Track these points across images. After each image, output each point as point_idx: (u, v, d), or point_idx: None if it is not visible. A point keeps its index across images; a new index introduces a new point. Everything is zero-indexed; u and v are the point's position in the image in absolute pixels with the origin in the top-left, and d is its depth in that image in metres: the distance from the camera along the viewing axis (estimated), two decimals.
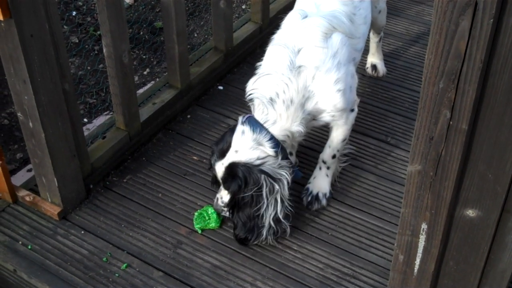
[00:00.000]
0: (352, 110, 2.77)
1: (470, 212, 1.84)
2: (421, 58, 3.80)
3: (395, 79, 3.66)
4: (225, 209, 2.70)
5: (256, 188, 2.53)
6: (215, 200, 2.75)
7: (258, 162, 2.54)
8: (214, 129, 3.34)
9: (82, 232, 2.81)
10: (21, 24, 2.26)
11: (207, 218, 2.79)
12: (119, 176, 3.07)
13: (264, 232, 2.63)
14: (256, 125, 2.56)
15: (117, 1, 2.70)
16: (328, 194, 2.93)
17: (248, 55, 3.82)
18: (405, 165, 3.11)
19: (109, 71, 2.92)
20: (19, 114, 2.58)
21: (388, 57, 3.78)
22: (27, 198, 2.89)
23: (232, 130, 2.62)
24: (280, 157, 2.56)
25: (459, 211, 1.86)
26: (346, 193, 3.00)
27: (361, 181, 3.05)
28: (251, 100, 2.65)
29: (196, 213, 2.82)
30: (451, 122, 1.75)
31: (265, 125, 2.56)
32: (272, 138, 2.56)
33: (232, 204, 2.64)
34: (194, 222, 2.80)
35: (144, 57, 4.59)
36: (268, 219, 2.60)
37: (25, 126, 2.60)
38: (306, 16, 2.65)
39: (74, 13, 4.96)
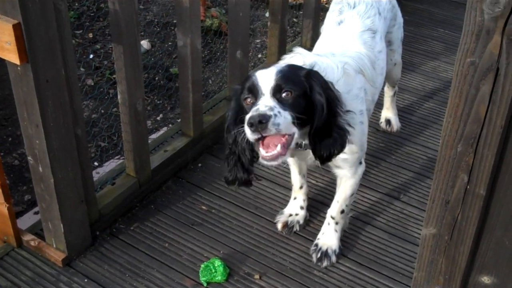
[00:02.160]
0: (360, 163, 2.71)
1: (486, 279, 1.78)
2: (436, 115, 3.77)
3: (409, 135, 3.62)
4: (275, 111, 2.10)
5: (325, 84, 2.27)
6: (250, 114, 2.11)
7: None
8: None
9: (86, 280, 2.75)
10: (38, 69, 2.26)
11: (213, 271, 2.73)
12: (126, 223, 3.03)
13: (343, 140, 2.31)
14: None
15: (134, 49, 2.70)
16: (337, 250, 2.87)
17: None
18: (417, 223, 3.05)
19: (122, 117, 2.91)
20: (29, 158, 2.56)
21: (402, 112, 3.76)
22: (32, 243, 2.84)
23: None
24: None
25: (474, 277, 1.80)
26: (356, 250, 2.93)
27: (372, 239, 2.99)
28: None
29: (202, 265, 2.76)
30: (468, 187, 1.71)
31: None
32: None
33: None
34: (200, 275, 2.73)
35: (158, 102, 4.59)
36: (342, 120, 2.30)
37: (35, 170, 2.58)
38: (333, 55, 2.59)
39: (91, 56, 5.00)
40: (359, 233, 3.01)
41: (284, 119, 2.11)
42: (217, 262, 2.73)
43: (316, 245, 2.89)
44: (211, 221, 3.05)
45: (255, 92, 2.20)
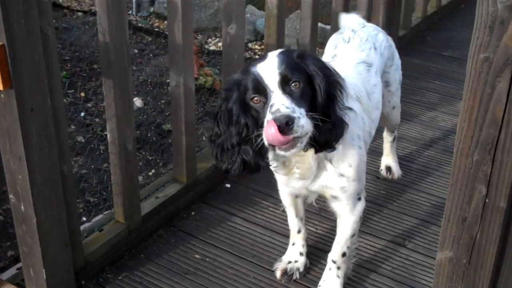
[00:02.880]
0: (360, 199, 2.54)
1: None
2: (437, 162, 3.65)
3: (411, 182, 3.48)
4: (296, 113, 1.98)
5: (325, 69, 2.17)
6: (271, 116, 1.98)
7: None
8: (219, 227, 3.13)
9: None
10: (22, 96, 2.14)
11: None
12: (114, 272, 2.83)
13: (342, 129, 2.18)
14: None
15: (124, 83, 2.60)
16: None
17: None
18: (424, 270, 2.87)
19: (111, 158, 2.77)
20: (11, 196, 2.40)
21: (402, 160, 3.63)
22: None
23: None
24: None
25: None
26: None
27: (378, 287, 2.80)
28: None
29: None
30: (487, 200, 1.57)
31: None
32: None
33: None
34: None
35: (150, 158, 4.46)
36: (342, 108, 2.19)
37: (17, 210, 2.41)
38: None
39: (82, 114, 4.91)
40: (363, 281, 2.82)
41: (306, 120, 2.00)
42: None
43: None
44: (205, 270, 2.85)
45: (261, 90, 2.06)
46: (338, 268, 2.68)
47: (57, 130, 2.33)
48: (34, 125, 2.21)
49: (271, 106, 2.00)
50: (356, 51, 2.74)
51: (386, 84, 3.01)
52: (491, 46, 1.41)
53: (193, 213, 3.23)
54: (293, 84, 2.04)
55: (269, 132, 1.96)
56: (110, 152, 2.76)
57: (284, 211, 2.85)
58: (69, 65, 5.60)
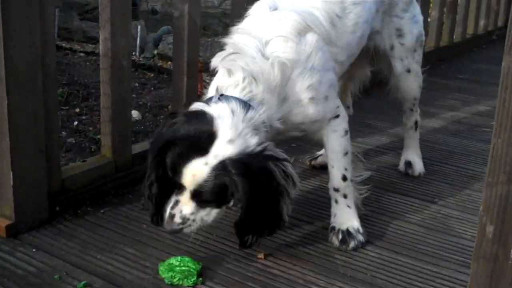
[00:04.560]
0: (337, 116, 2.23)
1: None
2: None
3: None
4: (187, 224, 1.96)
5: (268, 181, 1.91)
6: (166, 216, 1.98)
7: (259, 148, 1.91)
8: None
9: (34, 250, 2.09)
10: None
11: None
12: (96, 207, 2.41)
13: (284, 215, 1.98)
14: (244, 103, 1.95)
15: None
16: (361, 229, 2.25)
17: None
18: (459, 222, 2.44)
19: (102, 75, 2.44)
20: None
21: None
22: None
23: (198, 114, 1.93)
24: None
25: None
26: (387, 239, 2.30)
27: (406, 231, 2.36)
28: (226, 72, 2.03)
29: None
30: None
31: (251, 104, 1.98)
32: (264, 120, 1.98)
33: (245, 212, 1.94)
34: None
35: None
36: (285, 210, 1.97)
37: None
38: (276, 9, 2.16)
39: (75, 123, 4.60)
40: (388, 225, 2.39)
41: (200, 223, 1.99)
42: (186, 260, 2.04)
43: (333, 228, 2.27)
44: None
45: (179, 178, 1.92)
46: (345, 196, 2.27)
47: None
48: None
49: (176, 202, 1.96)
50: None
51: (398, 33, 2.67)
52: None
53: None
54: (206, 201, 1.95)
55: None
56: (101, 68, 2.44)
57: None
58: (66, 88, 5.37)
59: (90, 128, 4.54)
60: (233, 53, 2.06)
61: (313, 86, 2.10)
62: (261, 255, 2.13)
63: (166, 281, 1.93)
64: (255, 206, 1.92)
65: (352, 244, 2.20)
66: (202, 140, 1.87)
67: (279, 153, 1.98)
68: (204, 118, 1.90)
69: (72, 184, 2.36)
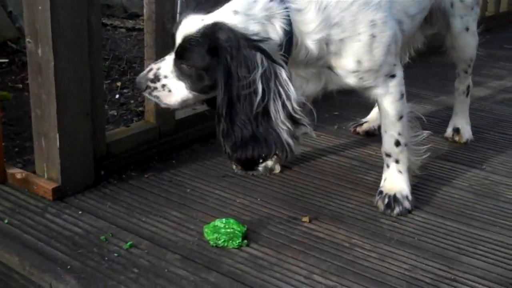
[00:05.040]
0: (393, 76, 2.13)
1: None
2: None
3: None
4: (154, 85, 1.88)
5: (246, 70, 1.75)
6: (145, 70, 1.93)
7: (256, 37, 1.79)
8: None
9: (80, 212, 2.11)
10: None
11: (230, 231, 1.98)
12: (140, 172, 2.42)
13: (284, 135, 1.79)
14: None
15: None
16: (409, 196, 2.20)
17: None
18: (509, 188, 2.38)
19: (146, 39, 2.44)
20: (27, 39, 2.07)
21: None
22: (18, 176, 2.24)
23: None
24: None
25: None
26: (434, 205, 2.25)
27: (453, 197, 2.32)
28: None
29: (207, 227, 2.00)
30: None
31: (285, 4, 1.87)
32: (288, 21, 1.86)
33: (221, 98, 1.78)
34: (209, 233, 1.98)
35: None
36: (280, 118, 1.78)
37: (33, 56, 2.08)
38: None
39: (117, 96, 4.63)
40: (435, 191, 2.34)
41: (165, 93, 1.90)
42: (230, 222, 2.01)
43: (381, 192, 2.23)
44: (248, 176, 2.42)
45: (173, 39, 1.89)
46: (397, 161, 2.22)
47: None
48: None
49: (162, 59, 1.93)
50: None
51: None
52: None
53: None
54: (184, 65, 1.85)
55: None
56: (145, 32, 2.43)
57: None
58: (107, 63, 5.40)
59: (132, 101, 4.57)
60: None
61: (376, 23, 2.00)
62: (305, 219, 2.10)
63: (211, 243, 1.93)
64: (234, 93, 1.76)
65: (396, 209, 2.16)
66: (212, 5, 1.83)
67: (277, 57, 1.83)
68: None
69: (117, 149, 2.37)
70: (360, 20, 1.98)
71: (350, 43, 1.98)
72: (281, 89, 1.78)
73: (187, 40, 1.81)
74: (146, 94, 1.92)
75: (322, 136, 2.82)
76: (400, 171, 2.23)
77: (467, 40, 2.73)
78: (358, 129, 2.89)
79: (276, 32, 1.84)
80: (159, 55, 2.40)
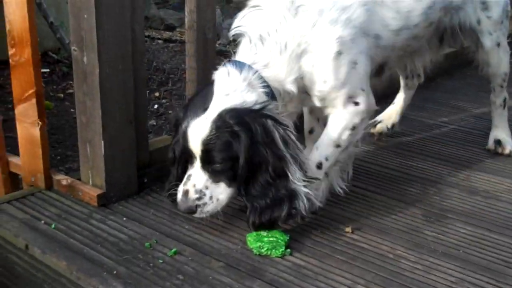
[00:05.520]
0: (356, 104, 2.09)
1: None
2: None
3: None
4: (202, 201, 1.94)
5: (266, 136, 1.86)
6: (179, 195, 1.97)
7: (258, 106, 1.89)
8: None
9: (124, 219, 2.13)
10: None
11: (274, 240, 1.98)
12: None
13: (302, 191, 1.89)
14: (243, 65, 1.96)
15: None
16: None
17: None
18: None
19: (187, 48, 2.46)
20: (73, 47, 2.10)
21: None
22: (63, 182, 2.27)
23: (205, 85, 2.02)
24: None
25: None
26: (479, 217, 2.22)
27: (498, 209, 2.28)
28: (237, 39, 2.07)
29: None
30: None
31: (254, 66, 1.96)
32: (265, 82, 1.95)
33: (237, 173, 1.91)
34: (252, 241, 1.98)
35: None
36: (297, 177, 1.88)
37: (78, 64, 2.11)
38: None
39: (155, 106, 4.68)
40: (478, 204, 2.31)
41: (215, 204, 1.96)
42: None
43: None
44: None
45: (188, 151, 1.94)
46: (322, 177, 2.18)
47: None
48: None
49: (189, 176, 1.96)
50: None
51: (483, 6, 2.56)
52: None
53: None
54: (217, 165, 1.91)
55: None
56: (187, 41, 2.45)
57: None
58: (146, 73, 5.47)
59: (170, 111, 4.62)
60: (253, 9, 2.04)
61: (344, 40, 1.99)
62: (348, 229, 2.09)
63: (255, 251, 1.93)
64: (256, 162, 1.86)
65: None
66: (202, 102, 1.91)
67: (280, 117, 1.93)
68: (208, 85, 1.96)
69: (159, 157, 2.39)
70: (327, 37, 2.00)
71: (320, 63, 2.00)
72: (295, 152, 1.89)
73: (206, 143, 1.88)
74: (198, 215, 1.96)
75: (361, 147, 2.80)
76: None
77: (500, 56, 2.70)
78: (372, 130, 2.92)
79: (262, 95, 1.93)
80: (200, 64, 2.43)
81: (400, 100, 3.01)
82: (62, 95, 4.58)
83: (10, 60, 2.19)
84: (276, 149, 1.86)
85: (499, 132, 2.87)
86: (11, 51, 2.17)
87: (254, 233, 1.97)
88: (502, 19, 2.63)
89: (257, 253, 1.92)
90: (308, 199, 1.92)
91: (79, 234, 2.01)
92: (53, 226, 2.05)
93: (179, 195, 1.94)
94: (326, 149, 2.13)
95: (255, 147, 1.84)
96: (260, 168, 1.87)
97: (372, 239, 2.05)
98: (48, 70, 4.96)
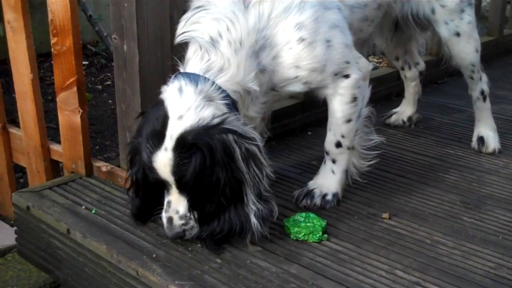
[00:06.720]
0: (347, 76, 2.02)
1: None
2: None
3: None
4: (189, 225, 1.84)
5: (225, 155, 1.73)
6: (164, 222, 1.85)
7: (217, 120, 1.75)
8: None
9: None
10: None
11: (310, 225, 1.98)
12: None
13: (252, 218, 1.79)
14: (195, 76, 1.80)
15: None
16: (329, 196, 2.14)
17: None
18: None
19: None
20: (114, 37, 2.14)
21: None
22: (103, 169, 2.32)
23: (157, 103, 1.81)
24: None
25: None
26: None
27: None
28: (184, 45, 1.91)
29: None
30: None
31: (207, 75, 1.81)
32: (222, 90, 1.80)
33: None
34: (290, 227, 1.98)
35: None
36: (252, 199, 1.78)
37: (119, 53, 2.15)
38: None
39: None
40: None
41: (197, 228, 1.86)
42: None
43: (307, 184, 2.22)
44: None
45: (160, 181, 1.81)
46: (333, 161, 2.16)
47: None
48: None
49: (168, 202, 1.84)
50: None
51: None
52: None
53: (309, 132, 2.84)
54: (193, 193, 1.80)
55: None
56: None
57: None
58: None
59: None
60: (197, 10, 1.89)
61: (304, 24, 1.88)
62: (385, 215, 2.09)
63: (292, 236, 1.94)
64: (213, 182, 1.74)
65: (303, 203, 2.13)
66: (157, 128, 1.76)
67: (246, 129, 1.78)
68: (158, 106, 1.79)
69: None
70: (284, 28, 1.89)
71: (283, 55, 1.89)
72: (257, 171, 1.77)
73: (176, 173, 1.75)
74: (188, 237, 1.86)
75: (399, 135, 2.80)
76: (333, 171, 2.17)
77: (461, 46, 2.55)
78: (388, 121, 2.93)
79: (220, 107, 1.78)
80: None
81: (407, 93, 2.97)
82: (100, 87, 4.66)
83: (52, 49, 2.24)
84: (235, 169, 1.75)
85: (481, 128, 2.71)
86: (53, 40, 2.22)
87: (291, 219, 1.99)
88: (461, 8, 2.48)
89: (294, 238, 1.94)
90: (264, 220, 1.81)
91: (119, 219, 2.05)
92: (93, 211, 2.10)
93: (164, 223, 1.85)
94: (339, 128, 2.11)
95: (212, 168, 1.73)
96: (216, 189, 1.76)
97: (409, 225, 2.04)
98: (86, 62, 5.05)
